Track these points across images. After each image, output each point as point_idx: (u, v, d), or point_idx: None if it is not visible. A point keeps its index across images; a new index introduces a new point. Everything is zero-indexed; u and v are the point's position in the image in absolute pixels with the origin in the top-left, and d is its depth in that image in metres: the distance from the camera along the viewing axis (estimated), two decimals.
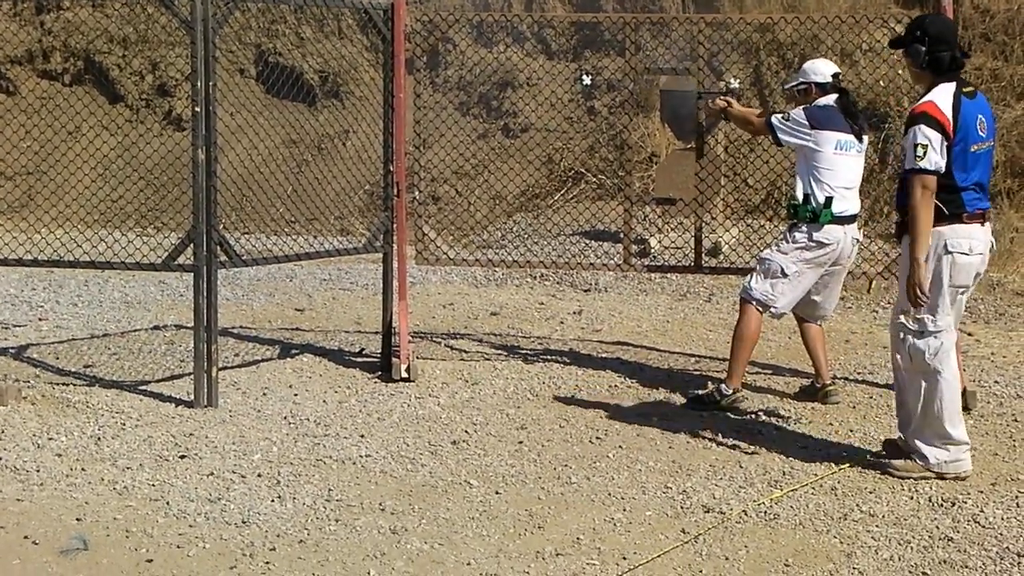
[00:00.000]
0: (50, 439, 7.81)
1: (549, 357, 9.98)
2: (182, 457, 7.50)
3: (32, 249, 9.84)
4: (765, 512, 6.65)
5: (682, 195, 10.33)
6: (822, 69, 8.83)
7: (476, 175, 16.23)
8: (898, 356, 7.20)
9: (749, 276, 8.64)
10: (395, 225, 9.62)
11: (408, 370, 9.25)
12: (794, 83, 8.96)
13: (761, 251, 8.81)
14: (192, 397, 8.55)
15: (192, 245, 8.63)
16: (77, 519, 6.51)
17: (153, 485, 7.02)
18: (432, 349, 10.23)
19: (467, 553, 6.15)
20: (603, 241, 14.13)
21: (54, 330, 10.94)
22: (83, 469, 7.29)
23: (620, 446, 7.75)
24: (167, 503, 6.75)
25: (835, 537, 6.35)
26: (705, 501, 6.81)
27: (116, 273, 12.87)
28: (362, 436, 7.93)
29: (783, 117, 8.64)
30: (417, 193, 10.37)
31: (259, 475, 7.19)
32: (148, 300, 12.30)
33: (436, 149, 11.43)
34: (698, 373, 9.52)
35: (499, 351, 10.21)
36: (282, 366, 9.66)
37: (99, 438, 7.83)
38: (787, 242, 8.52)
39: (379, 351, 9.80)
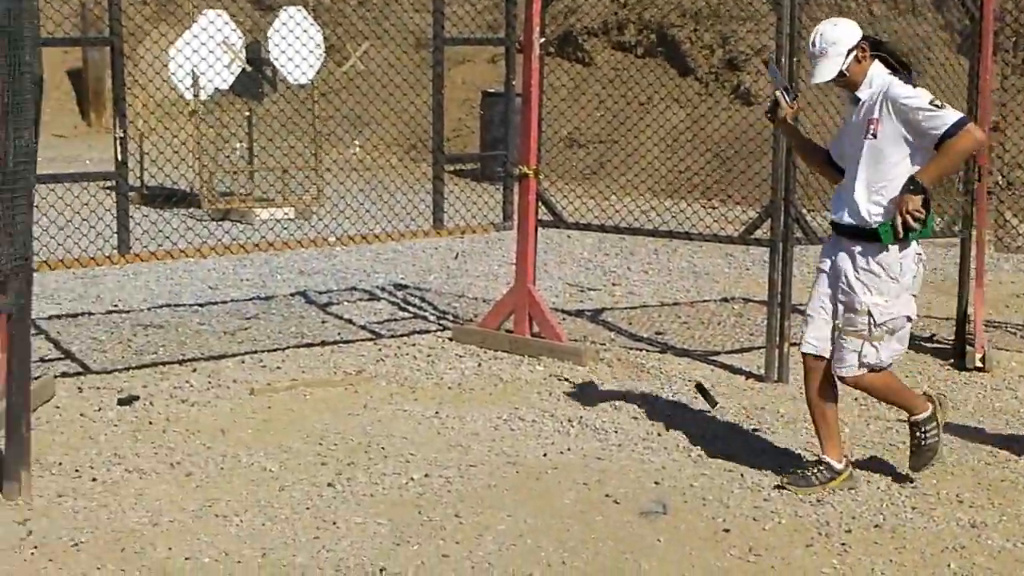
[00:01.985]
0: (626, 402, 8.04)
1: None
2: (755, 431, 7.55)
3: (600, 215, 10.14)
4: None
5: None
6: (852, 24, 6.59)
7: None
8: None
9: (856, 352, 6.56)
10: (975, 210, 9.33)
11: (983, 359, 8.96)
12: (841, 60, 6.46)
13: (859, 312, 6.52)
14: (762, 371, 8.60)
15: (769, 220, 8.68)
16: (655, 483, 6.67)
17: (727, 455, 7.09)
18: (1006, 339, 9.86)
19: None
20: None
21: (626, 296, 11.26)
22: (659, 434, 7.46)
23: None
24: (741, 474, 6.81)
25: None
26: None
27: (684, 243, 13.08)
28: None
29: (935, 102, 6.40)
30: (999, 178, 9.99)
31: None
32: (716, 272, 12.45)
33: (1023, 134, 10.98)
34: None
35: None
36: None
37: (674, 405, 8.01)
38: (892, 279, 6.48)
39: (950, 338, 9.53)
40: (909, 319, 6.58)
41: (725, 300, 11.14)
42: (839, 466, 6.64)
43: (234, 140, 14.32)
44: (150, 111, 12.72)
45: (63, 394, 7.94)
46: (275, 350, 9.10)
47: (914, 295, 6.58)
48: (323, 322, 10.00)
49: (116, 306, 10.35)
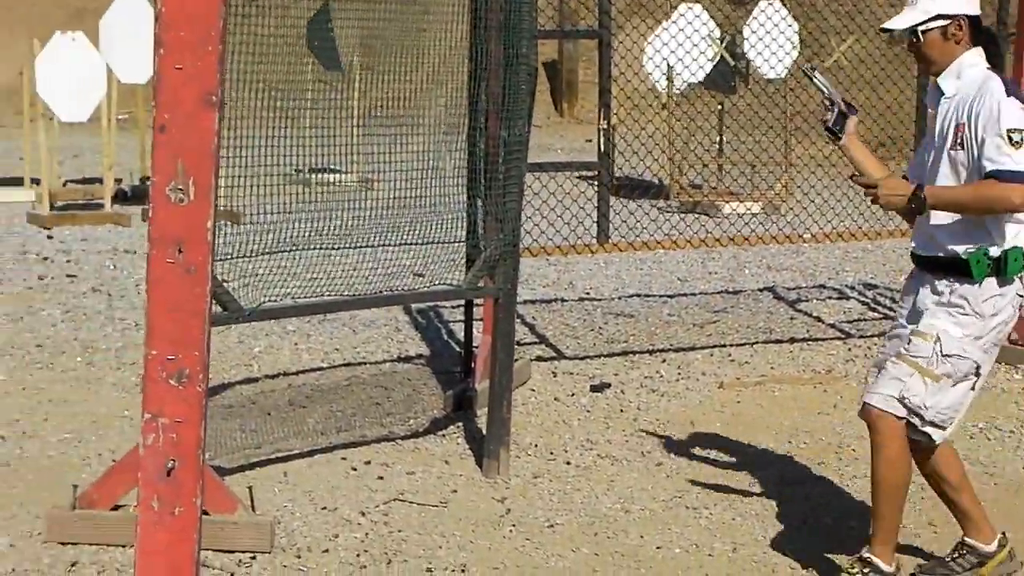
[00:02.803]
0: None
1: None
2: None
3: None
4: None
5: None
6: None
7: None
8: None
9: (901, 382, 5.09)
10: None
11: None
12: (924, 17, 5.08)
13: (924, 336, 5.11)
14: None
15: None
16: None
17: None
18: None
19: None
20: None
21: None
22: None
23: None
24: None
25: None
26: None
27: None
28: None
29: (1015, 137, 4.90)
30: None
31: None
32: None
33: None
34: None
35: None
36: None
37: None
38: (978, 315, 5.08)
39: None
40: (978, 372, 5.13)
41: None
42: (888, 568, 5.24)
43: (713, 133, 14.38)
44: (625, 104, 12.93)
45: (538, 378, 8.16)
46: (743, 344, 9.08)
47: (996, 347, 5.16)
48: (791, 318, 9.91)
49: (588, 294, 10.57)
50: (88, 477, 6.13)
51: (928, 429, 5.13)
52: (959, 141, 5.04)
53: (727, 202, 14.21)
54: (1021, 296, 5.15)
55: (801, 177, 12.67)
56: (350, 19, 7.09)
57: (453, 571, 5.47)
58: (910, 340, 5.12)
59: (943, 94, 5.15)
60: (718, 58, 14.07)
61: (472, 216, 6.72)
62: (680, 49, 12.04)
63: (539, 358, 8.61)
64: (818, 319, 9.91)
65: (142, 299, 9.63)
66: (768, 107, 12.70)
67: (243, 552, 5.47)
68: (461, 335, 8.26)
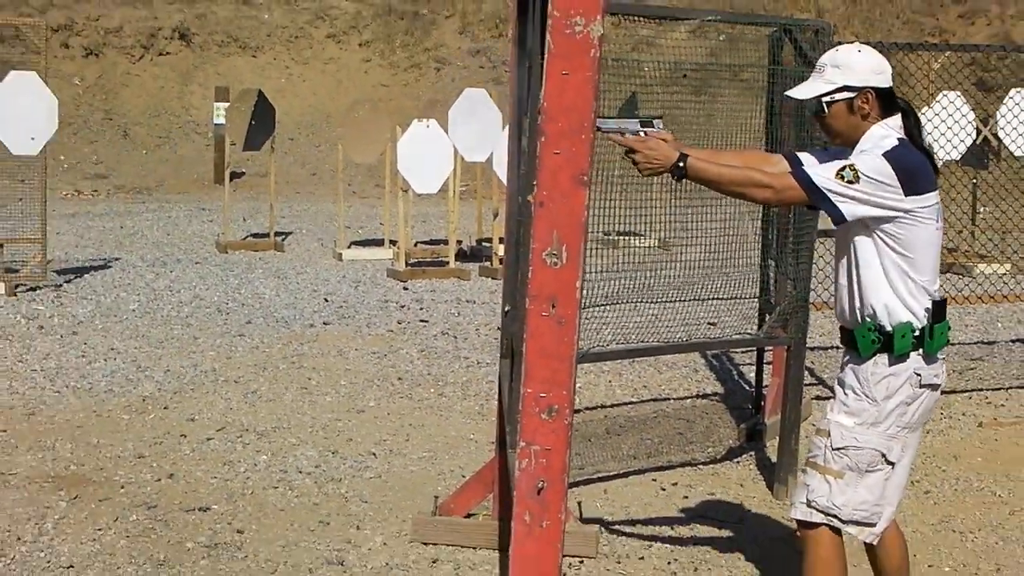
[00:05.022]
0: None
1: None
2: None
3: None
4: None
5: None
6: (876, 63, 4.15)
7: None
8: None
9: (807, 486, 4.26)
10: None
11: None
12: (829, 88, 4.13)
13: (820, 433, 4.26)
14: None
15: None
16: None
17: None
18: None
19: None
20: None
21: None
22: None
23: None
24: None
25: None
26: None
27: None
28: None
29: (845, 172, 3.95)
30: None
31: None
32: None
33: None
34: None
35: None
36: None
37: None
38: (870, 399, 4.14)
39: None
40: (888, 461, 4.17)
41: None
42: None
43: (966, 204, 13.85)
44: None
45: (817, 414, 7.96)
46: (999, 389, 8.72)
47: (905, 429, 4.19)
48: None
49: None
50: (444, 489, 6.26)
51: (851, 529, 4.23)
52: None
53: (977, 263, 13.66)
54: (919, 375, 4.15)
55: None
56: (655, 105, 7.08)
57: None
58: (811, 441, 4.31)
59: None
60: (979, 138, 13.55)
61: (765, 275, 6.63)
62: (941, 129, 11.64)
63: (817, 397, 8.41)
64: None
65: (482, 340, 9.90)
66: (1018, 181, 12.17)
67: (573, 557, 5.49)
68: (751, 376, 8.14)
